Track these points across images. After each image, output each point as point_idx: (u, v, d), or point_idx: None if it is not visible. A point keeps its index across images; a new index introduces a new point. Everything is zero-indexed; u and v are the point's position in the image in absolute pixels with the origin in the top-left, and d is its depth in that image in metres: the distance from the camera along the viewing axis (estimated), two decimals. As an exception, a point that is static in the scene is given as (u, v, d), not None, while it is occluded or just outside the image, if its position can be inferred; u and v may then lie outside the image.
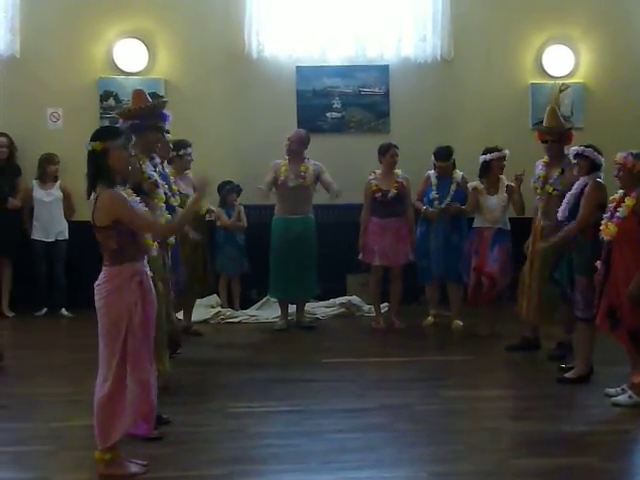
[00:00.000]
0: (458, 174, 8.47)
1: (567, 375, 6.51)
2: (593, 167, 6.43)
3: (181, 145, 7.87)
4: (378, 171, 8.50)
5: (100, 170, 4.63)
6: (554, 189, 7.17)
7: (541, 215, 7.29)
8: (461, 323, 8.49)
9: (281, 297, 8.73)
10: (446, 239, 8.38)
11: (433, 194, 8.42)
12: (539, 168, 7.33)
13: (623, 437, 5.39)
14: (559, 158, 7.25)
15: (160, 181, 5.70)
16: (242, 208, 9.22)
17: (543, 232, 7.21)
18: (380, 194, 8.38)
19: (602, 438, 5.37)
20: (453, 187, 8.42)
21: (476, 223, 8.12)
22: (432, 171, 8.52)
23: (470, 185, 8.21)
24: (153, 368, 4.83)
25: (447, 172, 8.44)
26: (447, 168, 8.43)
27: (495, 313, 8.10)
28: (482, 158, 8.02)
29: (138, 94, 5.90)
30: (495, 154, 7.99)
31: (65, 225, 9.37)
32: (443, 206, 8.35)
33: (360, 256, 8.52)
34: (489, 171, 8.02)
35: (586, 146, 6.50)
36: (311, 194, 8.53)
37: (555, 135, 7.31)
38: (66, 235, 9.35)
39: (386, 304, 8.90)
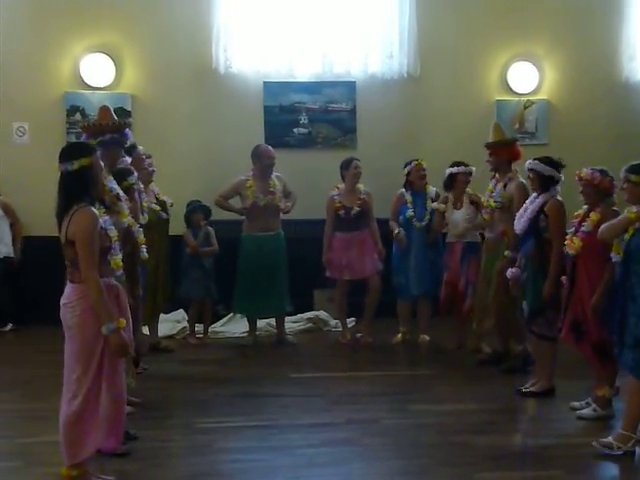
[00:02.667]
0: (431, 190, 8.47)
1: (532, 389, 6.57)
2: (547, 181, 6.42)
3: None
4: (341, 186, 8.47)
5: (84, 187, 4.61)
6: (494, 201, 7.29)
7: (487, 228, 7.49)
8: (428, 338, 8.52)
9: (249, 314, 8.69)
10: (425, 257, 8.39)
11: (409, 212, 8.40)
12: (491, 183, 7.45)
13: (588, 450, 5.43)
14: (502, 172, 7.35)
15: (122, 195, 5.70)
16: (212, 230, 8.65)
17: (487, 245, 7.46)
18: (343, 211, 8.38)
19: (567, 451, 5.42)
20: (429, 204, 8.39)
21: (447, 238, 8.19)
22: (403, 189, 8.55)
23: (433, 206, 8.28)
24: (124, 384, 4.81)
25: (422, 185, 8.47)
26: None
27: (465, 327, 8.12)
28: (448, 171, 8.10)
29: (105, 110, 5.99)
30: (462, 168, 8.07)
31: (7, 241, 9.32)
32: (423, 224, 8.33)
33: (327, 273, 8.53)
34: (455, 185, 8.10)
35: (541, 159, 6.52)
36: (280, 210, 8.52)
37: (492, 148, 7.40)
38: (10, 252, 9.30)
39: (353, 319, 8.92)
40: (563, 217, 6.39)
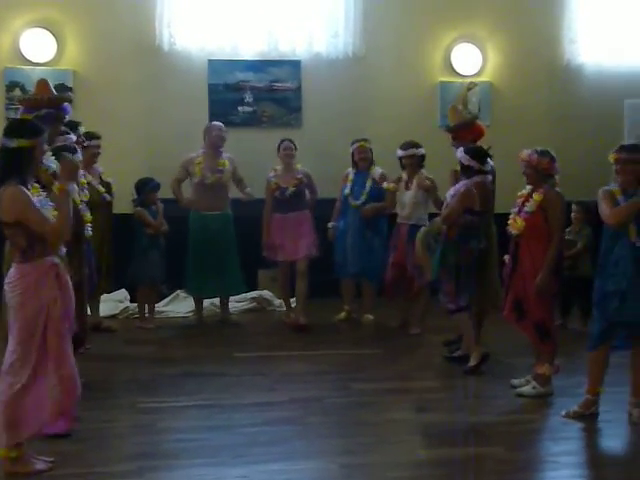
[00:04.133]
0: (376, 170, 8.45)
1: (470, 364, 6.67)
2: (470, 170, 6.59)
3: (87, 136, 7.74)
4: (279, 167, 8.44)
5: (17, 166, 4.52)
6: None
7: None
8: (371, 317, 8.56)
9: (200, 294, 8.63)
10: (361, 236, 8.39)
11: (346, 190, 8.43)
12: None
13: (527, 427, 5.54)
14: None
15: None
16: (162, 207, 8.39)
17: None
18: (279, 192, 8.33)
19: (507, 428, 5.50)
20: (369, 183, 8.38)
21: (398, 219, 8.18)
22: (350, 168, 8.53)
23: (383, 185, 8.28)
24: (74, 362, 4.74)
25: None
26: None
27: (409, 306, 8.17)
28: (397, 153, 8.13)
29: (42, 84, 5.86)
30: (409, 151, 8.02)
31: None
32: (358, 203, 8.36)
33: (264, 253, 8.50)
34: (404, 166, 8.10)
35: (467, 149, 6.69)
36: (228, 189, 8.47)
37: (454, 132, 7.43)
38: None
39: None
40: (464, 199, 6.50)
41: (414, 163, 8.03)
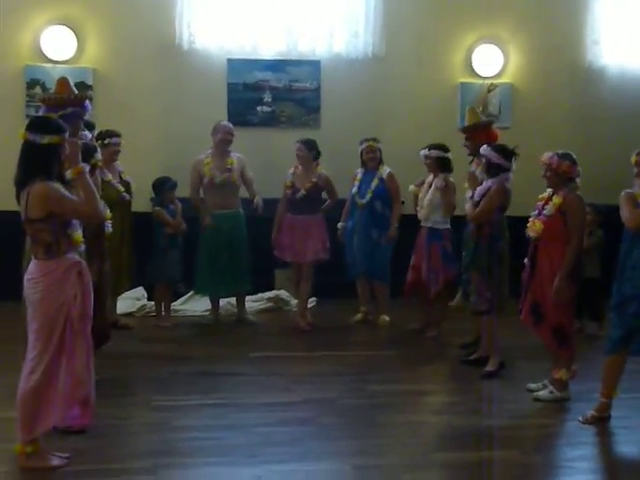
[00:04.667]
0: (385, 170, 8.42)
1: (488, 369, 6.64)
2: (497, 168, 6.49)
3: (107, 134, 7.76)
4: (300, 167, 8.39)
5: (45, 163, 4.55)
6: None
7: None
8: (387, 318, 8.52)
9: (211, 294, 8.63)
10: (367, 235, 8.36)
11: (354, 189, 8.40)
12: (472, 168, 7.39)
13: (543, 431, 5.50)
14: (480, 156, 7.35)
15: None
16: (180, 206, 8.44)
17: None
18: (291, 192, 8.31)
19: (523, 432, 5.48)
20: (375, 182, 8.33)
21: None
22: (360, 168, 8.50)
23: (410, 188, 8.23)
24: (92, 360, 4.75)
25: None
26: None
27: (430, 308, 8.11)
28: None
29: (63, 82, 5.84)
30: (423, 152, 7.97)
31: None
32: (364, 202, 8.29)
33: (275, 252, 8.47)
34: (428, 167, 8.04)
35: (494, 147, 6.61)
36: (238, 187, 8.45)
37: (468, 132, 7.40)
38: None
39: (314, 299, 8.92)
40: (497, 198, 6.48)
41: (433, 165, 7.94)
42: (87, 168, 4.77)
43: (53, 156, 4.59)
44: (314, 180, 8.28)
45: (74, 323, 4.58)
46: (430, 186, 7.96)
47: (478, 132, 7.34)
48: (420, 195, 8.03)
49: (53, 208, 4.52)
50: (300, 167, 8.35)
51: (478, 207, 6.53)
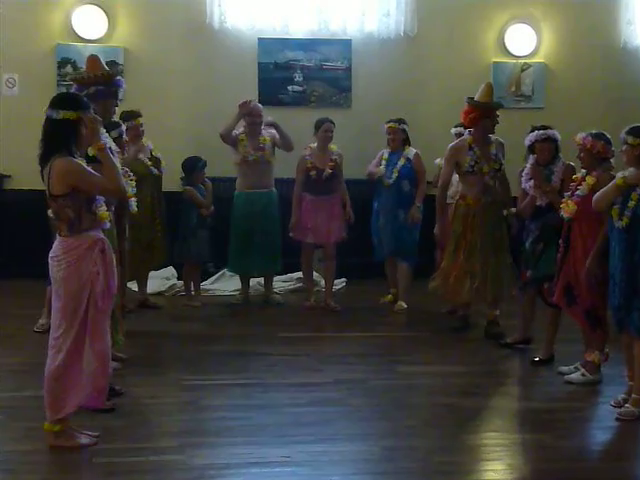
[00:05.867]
0: (411, 150, 8.31)
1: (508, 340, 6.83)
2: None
3: (128, 116, 7.65)
4: (313, 145, 8.28)
5: (63, 138, 4.54)
6: (501, 165, 7.22)
7: (479, 192, 7.18)
8: (405, 305, 8.30)
9: (242, 272, 8.63)
10: (394, 216, 8.26)
11: (380, 169, 8.30)
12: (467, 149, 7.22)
13: (575, 415, 5.44)
14: (489, 135, 7.23)
15: (114, 148, 5.58)
16: (210, 186, 8.49)
17: (484, 208, 7.17)
18: (315, 172, 8.21)
19: (554, 415, 5.42)
20: (401, 162, 8.22)
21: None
22: (385, 149, 8.40)
23: (436, 162, 8.17)
24: (109, 340, 4.77)
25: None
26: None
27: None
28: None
29: (93, 60, 5.80)
30: (453, 130, 7.92)
31: None
32: (390, 182, 8.19)
33: (291, 233, 8.36)
34: None
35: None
36: (272, 167, 8.42)
37: (484, 110, 7.15)
38: None
39: (344, 279, 8.86)
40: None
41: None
42: (108, 145, 4.76)
43: (70, 131, 4.56)
44: (334, 158, 8.24)
45: (97, 301, 4.57)
46: None
47: (478, 110, 7.11)
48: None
49: (74, 183, 4.51)
50: (315, 145, 8.27)
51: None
